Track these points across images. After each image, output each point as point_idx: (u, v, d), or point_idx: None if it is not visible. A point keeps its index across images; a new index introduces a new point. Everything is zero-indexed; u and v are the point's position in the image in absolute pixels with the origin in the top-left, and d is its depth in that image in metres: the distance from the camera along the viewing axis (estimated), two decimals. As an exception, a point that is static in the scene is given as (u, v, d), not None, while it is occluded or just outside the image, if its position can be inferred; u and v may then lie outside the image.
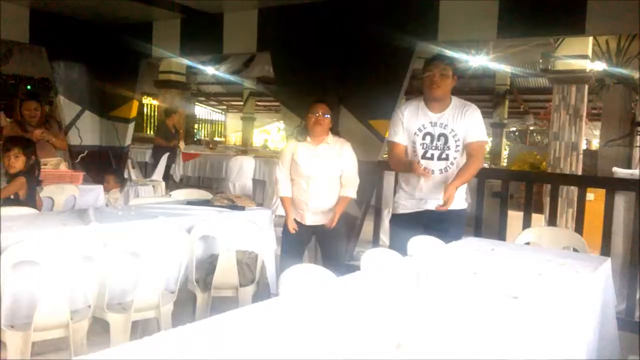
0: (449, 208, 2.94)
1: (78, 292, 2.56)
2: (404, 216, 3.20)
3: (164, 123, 7.97)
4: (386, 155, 4.04)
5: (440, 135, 3.07)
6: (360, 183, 3.48)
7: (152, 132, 15.05)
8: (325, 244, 3.49)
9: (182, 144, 8.33)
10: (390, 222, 3.38)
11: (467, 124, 3.06)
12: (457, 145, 3.07)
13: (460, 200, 3.18)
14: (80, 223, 2.83)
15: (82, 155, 6.45)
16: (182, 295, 3.02)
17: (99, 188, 4.71)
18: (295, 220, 3.43)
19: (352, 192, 3.41)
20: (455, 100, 3.13)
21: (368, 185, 4.60)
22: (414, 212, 3.15)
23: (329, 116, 3.35)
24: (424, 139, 3.09)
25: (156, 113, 14.26)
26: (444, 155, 3.07)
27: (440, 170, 3.08)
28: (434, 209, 3.05)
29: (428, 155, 3.09)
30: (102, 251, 2.55)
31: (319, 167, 3.34)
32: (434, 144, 3.07)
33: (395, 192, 3.32)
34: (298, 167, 3.37)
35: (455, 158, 3.08)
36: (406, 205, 3.19)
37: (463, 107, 3.09)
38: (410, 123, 3.14)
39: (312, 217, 3.39)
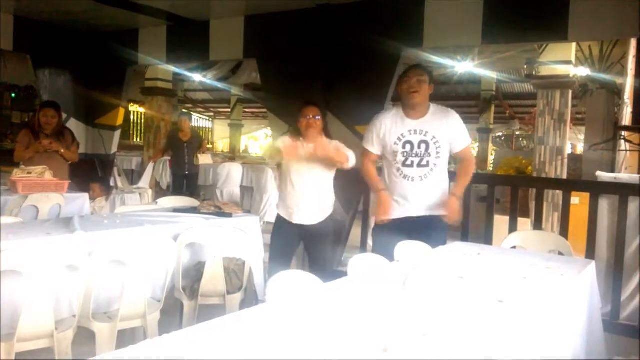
0: (434, 214, 3.09)
1: (63, 301, 2.53)
2: (385, 224, 3.19)
3: (178, 138, 7.31)
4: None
5: (421, 142, 3.10)
6: (348, 189, 3.49)
7: (139, 140, 14.97)
8: (313, 248, 3.47)
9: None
10: (373, 230, 3.39)
11: (451, 131, 3.11)
12: (438, 152, 3.10)
13: (442, 206, 3.20)
14: (65, 232, 2.80)
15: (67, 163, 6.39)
16: (169, 303, 3.00)
17: (85, 196, 4.66)
18: (283, 218, 3.43)
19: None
20: (433, 107, 3.17)
21: (355, 191, 4.61)
22: (397, 219, 3.16)
23: (320, 118, 3.38)
24: (404, 147, 3.12)
25: (143, 120, 14.17)
26: (424, 162, 3.10)
27: (420, 177, 3.12)
28: (416, 215, 3.11)
29: (408, 162, 3.12)
30: (88, 260, 2.52)
31: (311, 165, 3.33)
32: (414, 152, 3.10)
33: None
34: (292, 162, 3.35)
35: (435, 165, 3.12)
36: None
37: (443, 114, 3.13)
38: (389, 132, 3.16)
39: (300, 216, 3.37)
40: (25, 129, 4.92)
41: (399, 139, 3.13)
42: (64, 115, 6.37)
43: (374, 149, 3.23)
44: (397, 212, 3.17)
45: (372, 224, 4.99)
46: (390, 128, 3.16)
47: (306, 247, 3.53)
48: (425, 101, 3.14)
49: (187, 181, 7.40)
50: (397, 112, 3.19)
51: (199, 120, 20.09)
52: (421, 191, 3.12)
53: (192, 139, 7.38)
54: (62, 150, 4.75)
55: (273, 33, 5.21)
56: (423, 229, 3.07)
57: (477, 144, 13.56)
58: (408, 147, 3.11)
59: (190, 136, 7.35)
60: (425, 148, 3.09)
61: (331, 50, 4.80)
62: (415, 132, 3.11)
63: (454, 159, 3.36)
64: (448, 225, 3.20)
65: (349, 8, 4.72)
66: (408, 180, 3.12)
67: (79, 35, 6.41)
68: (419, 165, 3.10)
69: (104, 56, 6.40)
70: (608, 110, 7.22)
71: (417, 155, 3.09)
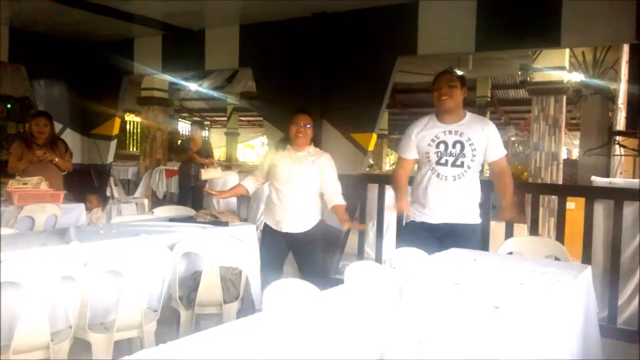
0: (464, 222, 3.09)
1: (59, 312, 2.52)
2: (419, 225, 3.18)
3: (189, 148, 6.87)
4: (369, 169, 4.06)
5: (456, 142, 3.08)
6: (344, 196, 3.50)
7: (135, 150, 14.95)
8: (301, 256, 3.49)
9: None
10: (404, 230, 3.32)
11: (487, 139, 3.09)
12: (474, 155, 3.07)
13: (475, 215, 3.19)
14: (60, 242, 2.79)
15: (63, 173, 6.38)
16: (166, 313, 2.99)
17: (81, 207, 4.65)
18: (270, 227, 3.47)
19: (340, 199, 3.42)
20: (470, 115, 3.17)
21: (352, 198, 4.62)
22: (430, 223, 3.15)
23: (310, 126, 3.42)
24: (437, 147, 3.10)
25: (139, 130, 14.14)
26: (458, 162, 3.07)
27: (454, 177, 3.08)
28: (449, 221, 3.09)
29: (442, 161, 3.09)
30: (83, 270, 2.51)
31: (298, 173, 3.38)
32: (449, 151, 3.08)
33: (411, 203, 3.28)
34: (277, 171, 3.42)
35: (469, 167, 3.08)
36: (420, 215, 3.18)
37: (480, 121, 3.15)
38: (421, 137, 3.16)
39: (289, 224, 3.40)
40: (18, 139, 4.91)
41: (432, 140, 3.12)
42: (60, 126, 6.40)
43: (410, 154, 3.21)
44: (433, 217, 3.14)
45: (372, 229, 5.00)
46: (423, 131, 3.16)
47: (295, 255, 3.54)
48: (459, 106, 3.12)
49: (193, 194, 6.90)
50: (431, 118, 3.19)
51: (195, 129, 20.03)
52: (455, 192, 3.08)
53: (200, 150, 6.90)
54: (56, 160, 4.75)
55: (268, 42, 5.24)
56: (455, 237, 3.04)
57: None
58: (442, 146, 3.09)
59: (201, 147, 6.93)
60: (460, 148, 3.07)
61: (326, 58, 4.82)
62: (450, 132, 3.09)
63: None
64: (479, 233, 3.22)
65: (344, 16, 4.75)
66: (441, 179, 3.08)
67: (74, 46, 6.43)
68: (453, 164, 3.07)
69: (99, 66, 6.42)
70: (602, 116, 7.25)
71: (451, 154, 3.07)
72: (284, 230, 3.41)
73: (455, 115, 3.12)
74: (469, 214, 3.15)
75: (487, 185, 4.46)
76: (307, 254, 3.47)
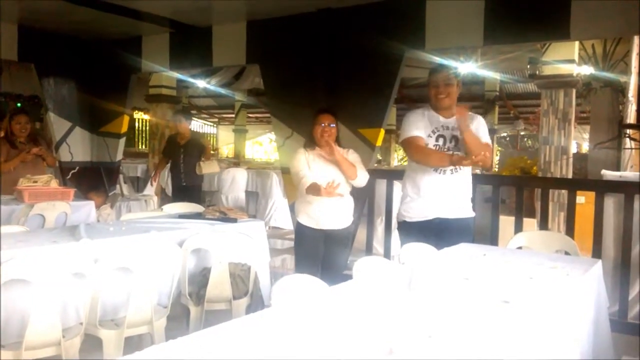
0: (458, 217, 3.13)
1: (70, 309, 2.55)
2: (413, 224, 3.20)
3: (175, 142, 6.07)
4: (377, 164, 4.04)
5: (452, 137, 3.16)
6: (352, 192, 3.49)
7: (144, 147, 15.02)
8: (331, 253, 3.45)
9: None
10: (399, 230, 3.37)
11: (475, 128, 3.14)
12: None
13: (468, 209, 3.24)
14: (71, 239, 2.82)
15: (73, 171, 6.43)
16: (175, 309, 3.01)
17: (91, 204, 4.69)
18: (306, 226, 3.42)
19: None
20: None
21: (360, 194, 4.61)
22: (424, 221, 3.17)
23: (334, 125, 3.41)
24: (437, 140, 3.17)
25: (148, 127, 14.19)
26: None
27: (451, 170, 3.14)
28: (444, 216, 3.12)
29: None
30: (94, 267, 2.53)
31: (334, 173, 3.35)
32: (447, 146, 3.16)
33: (402, 199, 3.32)
34: (312, 174, 3.36)
35: None
36: (415, 212, 3.20)
37: (470, 117, 3.16)
38: (422, 126, 3.19)
39: (329, 221, 3.38)
40: (1, 139, 4.85)
41: (432, 132, 3.18)
42: (69, 124, 6.45)
43: (420, 131, 3.16)
44: (425, 212, 3.17)
45: (381, 224, 4.99)
46: (423, 121, 3.20)
47: (325, 251, 3.48)
48: (454, 103, 3.19)
49: (186, 195, 5.67)
50: (427, 110, 3.24)
51: (203, 126, 20.15)
52: (451, 185, 3.15)
53: (189, 143, 6.00)
54: (47, 156, 4.83)
55: (275, 38, 5.23)
56: (450, 231, 3.08)
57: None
58: (441, 140, 3.16)
59: (189, 139, 6.01)
60: (455, 142, 3.15)
61: (333, 53, 4.81)
62: (447, 127, 3.17)
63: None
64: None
65: (350, 12, 4.72)
66: (439, 173, 3.14)
67: (82, 44, 6.45)
68: None
69: (107, 64, 6.44)
70: (612, 109, 7.18)
71: (448, 149, 3.15)
72: (324, 228, 3.39)
73: (450, 111, 3.19)
74: (463, 207, 3.21)
75: (495, 180, 4.44)
76: (337, 252, 3.45)
